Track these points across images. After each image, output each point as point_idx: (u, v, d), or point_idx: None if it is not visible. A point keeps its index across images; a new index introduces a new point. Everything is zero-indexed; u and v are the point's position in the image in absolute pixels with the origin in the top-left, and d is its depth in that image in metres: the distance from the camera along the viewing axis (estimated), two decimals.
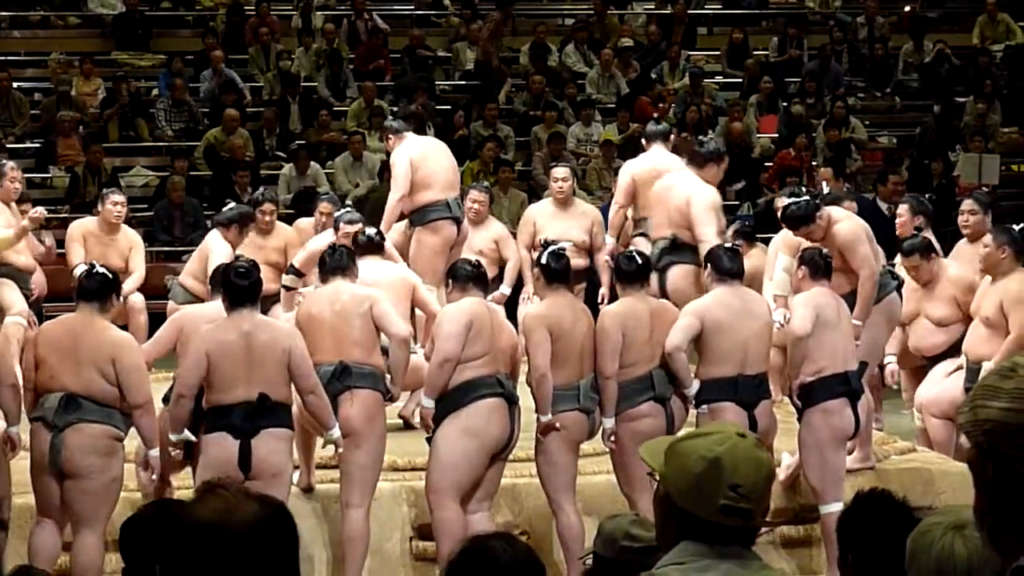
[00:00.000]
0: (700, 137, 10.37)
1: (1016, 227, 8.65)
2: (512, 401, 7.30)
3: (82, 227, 10.56)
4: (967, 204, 9.31)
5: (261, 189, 11.28)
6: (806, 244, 8.12)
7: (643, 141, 10.15)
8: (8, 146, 15.13)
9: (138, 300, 10.41)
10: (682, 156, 9.55)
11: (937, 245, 9.11)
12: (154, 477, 7.11)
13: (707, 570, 2.75)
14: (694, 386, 7.47)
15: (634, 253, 7.78)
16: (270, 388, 6.88)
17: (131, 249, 10.54)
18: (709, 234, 8.57)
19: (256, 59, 17.11)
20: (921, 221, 9.31)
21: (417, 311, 8.54)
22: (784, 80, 17.56)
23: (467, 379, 7.22)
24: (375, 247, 8.51)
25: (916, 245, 8.90)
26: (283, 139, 15.94)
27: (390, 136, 9.74)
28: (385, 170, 14.66)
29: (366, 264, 8.08)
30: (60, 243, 10.79)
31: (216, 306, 7.38)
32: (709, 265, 7.73)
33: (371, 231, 8.64)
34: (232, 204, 10.23)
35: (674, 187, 8.98)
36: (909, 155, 16.34)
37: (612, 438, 7.40)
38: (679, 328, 7.44)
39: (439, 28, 18.26)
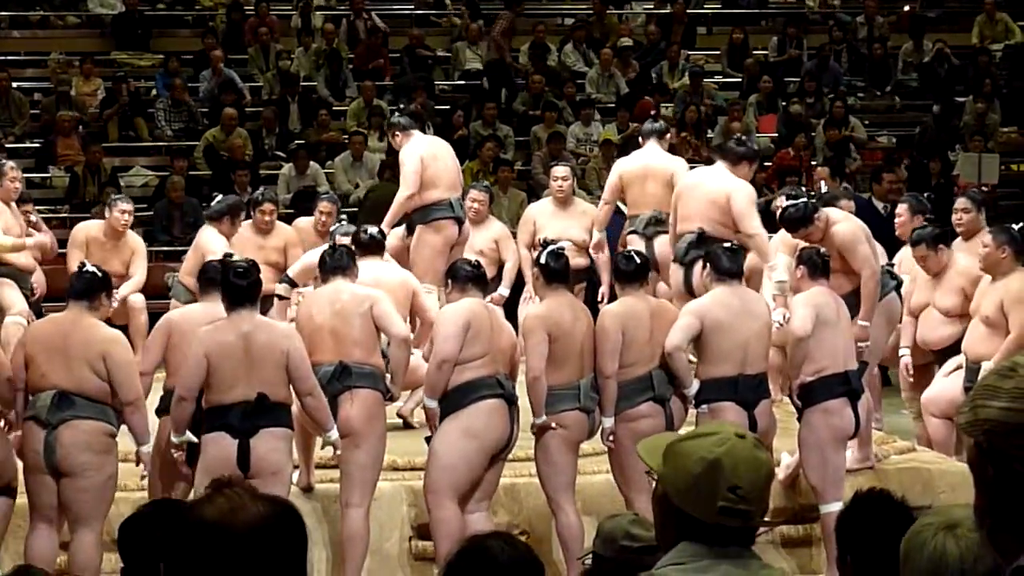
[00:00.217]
0: (739, 136, 10.40)
1: (1015, 226, 8.65)
2: (511, 402, 7.30)
3: (85, 231, 10.52)
4: (960, 202, 9.36)
5: (261, 189, 11.28)
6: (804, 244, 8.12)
7: (639, 139, 10.20)
8: (8, 146, 15.11)
9: (138, 300, 10.41)
10: (681, 155, 9.56)
11: None
12: (145, 474, 7.12)
13: (707, 570, 2.74)
14: (694, 386, 7.48)
15: (632, 253, 7.78)
16: (269, 389, 6.88)
17: (133, 253, 10.53)
18: (756, 226, 8.67)
19: (255, 59, 17.10)
20: (920, 220, 9.31)
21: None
22: (783, 80, 17.55)
23: (467, 380, 7.22)
24: (376, 247, 8.48)
25: (924, 235, 8.91)
26: (282, 139, 15.93)
27: (397, 133, 9.73)
28: (385, 169, 14.68)
29: (367, 265, 8.06)
30: (60, 242, 10.77)
31: (202, 307, 7.37)
32: (708, 265, 7.73)
33: (373, 230, 8.60)
34: (220, 197, 10.18)
35: (703, 183, 9.00)
36: (909, 155, 16.33)
37: (611, 438, 7.41)
38: (679, 328, 7.44)
39: (439, 28, 18.25)
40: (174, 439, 6.97)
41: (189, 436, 6.95)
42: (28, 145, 15.79)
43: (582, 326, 7.42)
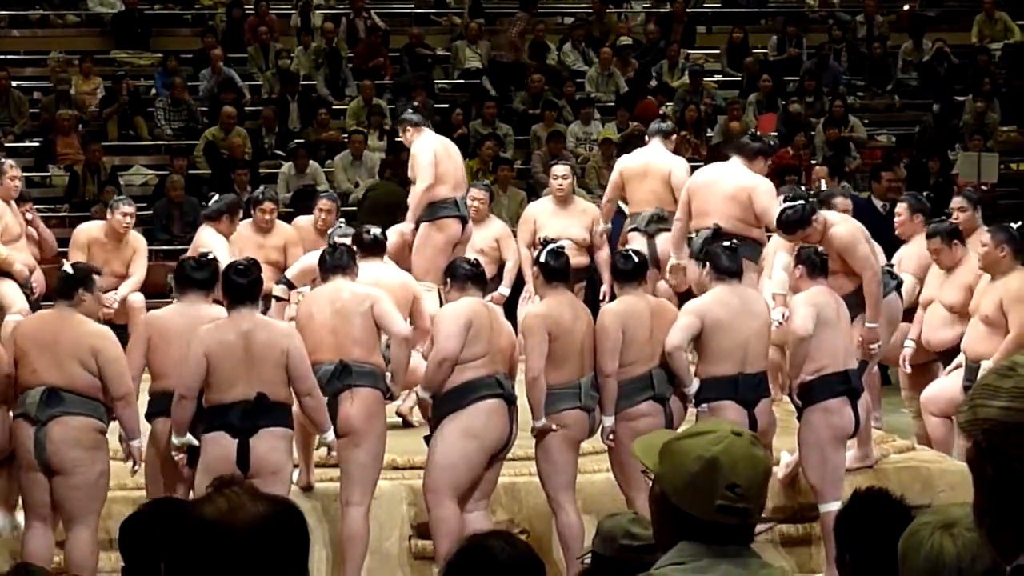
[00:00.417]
0: (753, 131, 10.46)
1: (1014, 225, 8.65)
2: (511, 401, 7.30)
3: (87, 233, 10.47)
4: (956, 202, 9.40)
5: (261, 188, 11.27)
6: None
7: (645, 137, 10.24)
8: (7, 145, 15.11)
9: (138, 299, 10.39)
10: (681, 154, 9.58)
11: None
12: (136, 469, 7.12)
13: (707, 570, 2.74)
14: (694, 385, 7.48)
15: (630, 252, 7.78)
16: (269, 388, 6.88)
17: (134, 252, 10.52)
18: None
19: (255, 58, 17.10)
20: (920, 220, 9.32)
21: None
22: (783, 79, 17.55)
23: (467, 380, 7.22)
24: (377, 248, 8.44)
25: (939, 229, 8.92)
26: (282, 138, 15.92)
27: (408, 128, 9.79)
28: (385, 168, 14.69)
29: (368, 267, 8.03)
30: (60, 242, 10.76)
31: (177, 307, 7.33)
32: (708, 264, 7.73)
33: (375, 231, 8.56)
34: (217, 196, 10.15)
35: (721, 179, 9.01)
36: (908, 154, 16.33)
37: (611, 436, 7.41)
38: (679, 327, 7.44)
39: (438, 27, 18.25)
40: (175, 440, 6.96)
41: (190, 439, 6.94)
42: (28, 144, 15.79)
43: (582, 325, 7.42)
